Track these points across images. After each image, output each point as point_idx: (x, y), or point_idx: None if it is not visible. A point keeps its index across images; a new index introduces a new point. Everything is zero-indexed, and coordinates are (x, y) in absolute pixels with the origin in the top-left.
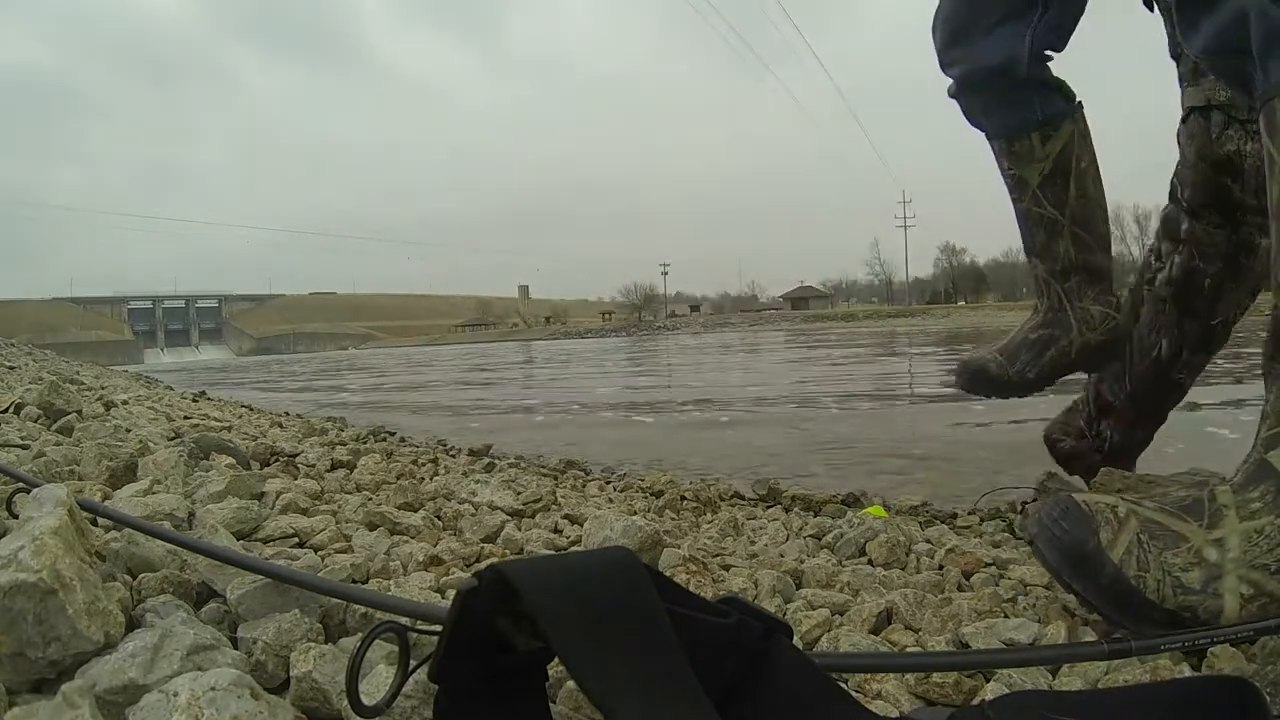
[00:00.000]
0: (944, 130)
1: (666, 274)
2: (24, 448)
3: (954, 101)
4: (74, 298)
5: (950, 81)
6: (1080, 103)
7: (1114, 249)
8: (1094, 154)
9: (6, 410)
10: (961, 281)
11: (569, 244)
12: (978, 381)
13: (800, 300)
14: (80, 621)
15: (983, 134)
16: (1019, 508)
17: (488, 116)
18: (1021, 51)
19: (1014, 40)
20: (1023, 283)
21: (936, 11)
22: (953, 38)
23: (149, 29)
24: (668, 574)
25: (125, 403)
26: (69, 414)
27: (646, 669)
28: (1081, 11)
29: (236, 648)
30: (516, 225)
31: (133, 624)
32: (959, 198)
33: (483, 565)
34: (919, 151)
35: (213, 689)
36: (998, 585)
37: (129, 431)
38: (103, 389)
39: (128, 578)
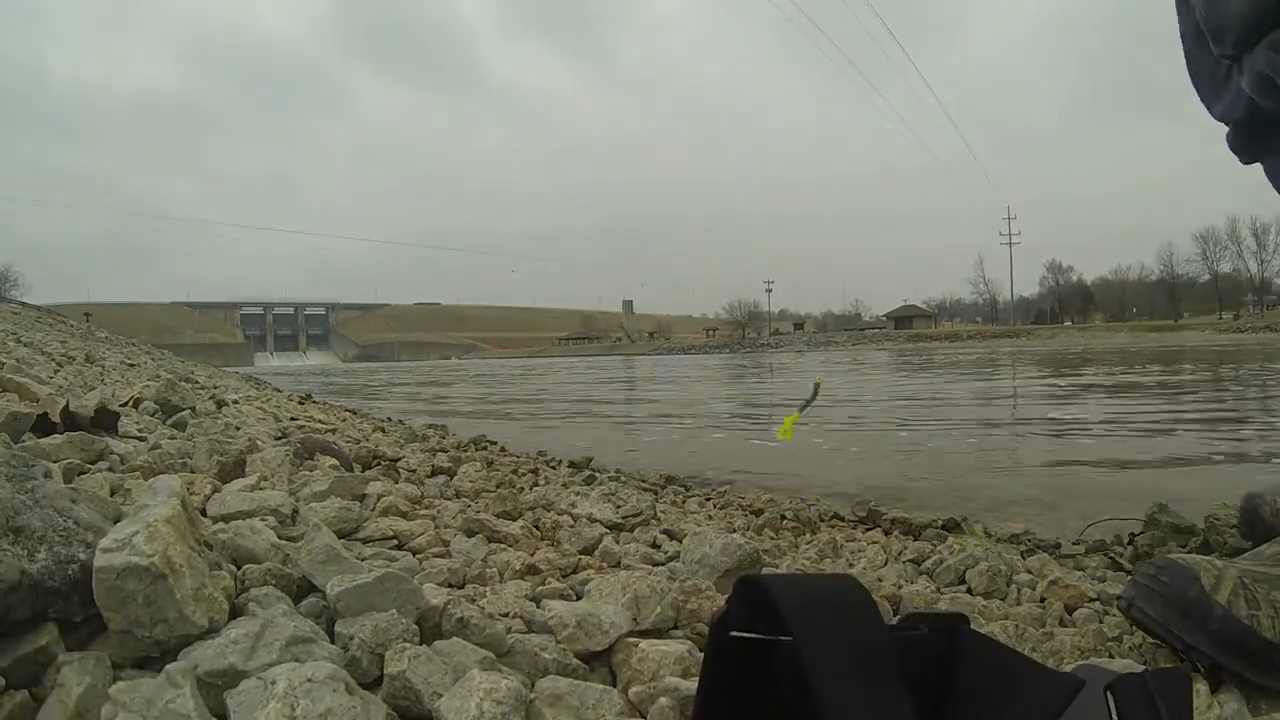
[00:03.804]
0: (1050, 145)
1: (770, 291)
2: (141, 439)
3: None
4: (190, 302)
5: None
6: None
7: (1230, 264)
8: None
9: (127, 404)
10: (1068, 301)
11: (673, 259)
12: (1246, 521)
13: (904, 319)
14: (187, 606)
15: None
16: (1126, 540)
17: (593, 132)
18: None
19: None
20: (1131, 302)
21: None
22: None
23: (267, 49)
24: None
25: (235, 402)
26: (183, 410)
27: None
28: None
29: (333, 642)
30: (620, 240)
31: (235, 612)
32: (1065, 213)
33: (579, 576)
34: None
35: (309, 680)
36: (1102, 622)
37: (238, 429)
38: (215, 388)
39: (233, 568)
